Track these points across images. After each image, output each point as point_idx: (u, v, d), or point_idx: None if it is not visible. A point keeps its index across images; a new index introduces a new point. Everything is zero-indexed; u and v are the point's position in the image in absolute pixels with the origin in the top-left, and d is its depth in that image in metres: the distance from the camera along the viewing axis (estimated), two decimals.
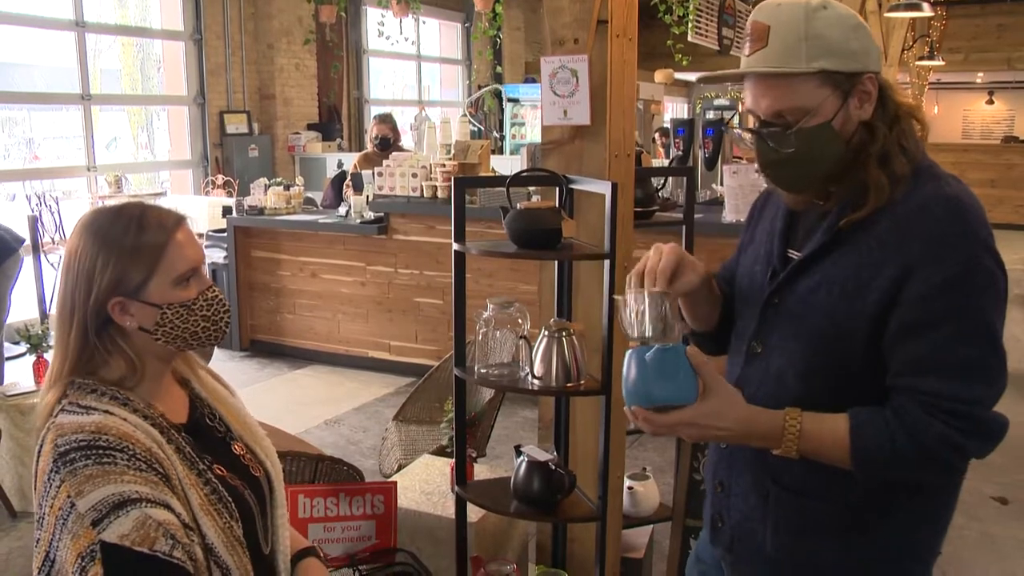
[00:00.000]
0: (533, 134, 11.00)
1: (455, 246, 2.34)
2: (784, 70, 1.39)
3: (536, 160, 5.23)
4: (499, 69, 12.90)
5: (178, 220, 1.48)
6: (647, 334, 1.39)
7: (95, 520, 1.28)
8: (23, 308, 6.38)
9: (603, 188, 2.22)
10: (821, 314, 1.42)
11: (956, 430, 1.32)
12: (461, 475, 2.51)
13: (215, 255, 6.45)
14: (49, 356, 3.86)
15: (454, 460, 2.60)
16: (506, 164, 7.84)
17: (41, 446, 1.37)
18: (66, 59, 7.97)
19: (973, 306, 1.33)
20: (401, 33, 8.99)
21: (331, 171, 8.41)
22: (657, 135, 11.05)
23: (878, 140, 1.41)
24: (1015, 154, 14.50)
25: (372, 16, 10.17)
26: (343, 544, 2.61)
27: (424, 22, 11.52)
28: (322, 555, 1.78)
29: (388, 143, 6.72)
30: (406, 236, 5.83)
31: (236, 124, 9.33)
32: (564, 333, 2.20)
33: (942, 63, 11.56)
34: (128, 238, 1.42)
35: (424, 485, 2.99)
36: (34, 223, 6.40)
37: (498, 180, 2.52)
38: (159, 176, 9.33)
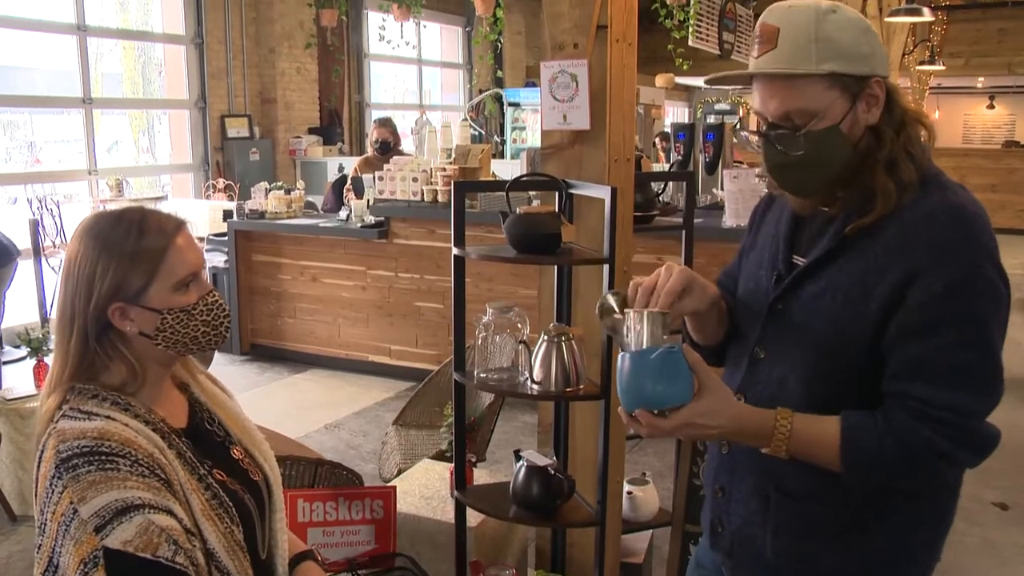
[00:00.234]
0: (534, 138, 11.01)
1: (455, 251, 2.34)
2: (793, 71, 1.39)
3: (536, 165, 5.23)
4: (500, 73, 12.91)
5: (178, 225, 1.48)
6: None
7: (98, 526, 1.28)
8: (23, 312, 6.38)
9: (603, 193, 2.22)
10: (826, 320, 1.42)
11: (945, 438, 1.32)
12: (461, 479, 2.51)
13: (216, 259, 6.46)
14: (49, 360, 3.87)
15: (454, 464, 2.60)
16: (507, 168, 7.84)
17: (42, 452, 1.37)
18: (68, 63, 7.99)
19: (972, 315, 1.33)
20: (402, 37, 9.01)
21: (332, 175, 8.42)
22: (657, 139, 11.06)
23: (885, 145, 1.41)
24: (1016, 159, 14.51)
25: (373, 20, 10.19)
26: (342, 548, 2.60)
27: (425, 26, 11.53)
28: (320, 559, 1.78)
29: (388, 147, 6.73)
30: (406, 240, 5.83)
31: (237, 128, 9.34)
32: (563, 338, 2.20)
33: (943, 68, 11.58)
34: (128, 243, 1.42)
35: (424, 489, 2.99)
36: (35, 227, 6.41)
37: (498, 185, 2.52)
38: (160, 180, 9.34)
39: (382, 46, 9.59)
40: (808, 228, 1.53)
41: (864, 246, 1.40)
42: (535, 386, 2.22)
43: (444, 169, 5.62)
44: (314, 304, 6.27)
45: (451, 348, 2.52)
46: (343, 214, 6.25)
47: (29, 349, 3.96)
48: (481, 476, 2.99)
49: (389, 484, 3.02)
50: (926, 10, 6.54)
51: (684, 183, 3.24)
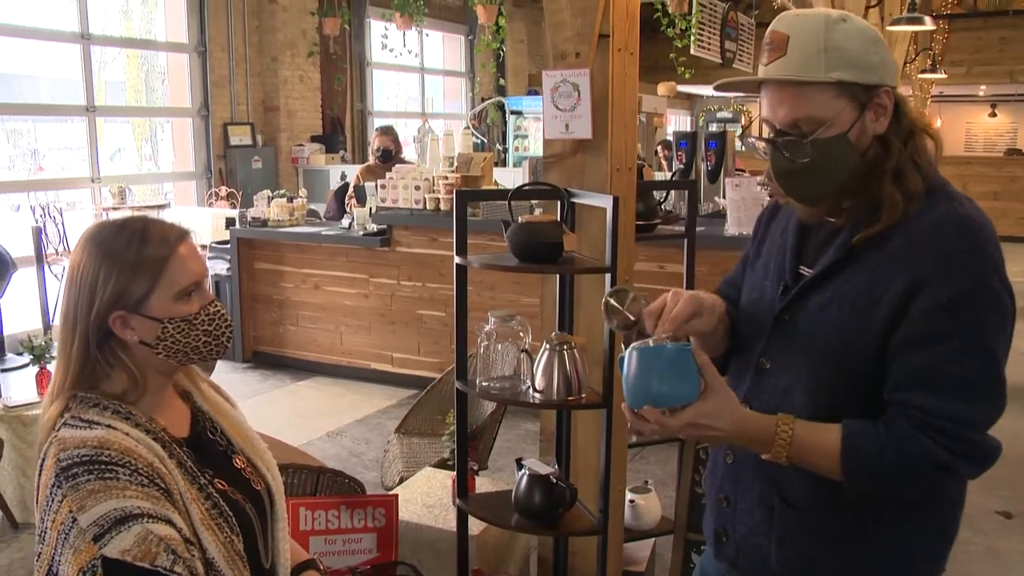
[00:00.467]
0: (536, 146, 11.03)
1: (457, 259, 2.34)
2: (802, 78, 1.39)
3: (538, 174, 5.24)
4: (502, 81, 12.94)
5: (181, 234, 1.49)
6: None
7: (97, 535, 1.28)
8: (26, 319, 6.39)
9: (604, 202, 2.22)
10: (832, 331, 1.42)
11: (945, 449, 1.32)
12: (463, 488, 2.51)
13: (218, 267, 6.46)
14: (52, 367, 3.88)
15: (456, 473, 2.60)
16: (509, 176, 7.85)
17: (43, 460, 1.37)
18: (71, 71, 8.02)
19: (976, 326, 1.33)
20: (404, 45, 9.05)
21: (334, 183, 8.43)
22: (659, 148, 11.06)
23: (893, 155, 1.41)
24: (1018, 167, 14.52)
25: (376, 28, 10.21)
26: (344, 557, 2.60)
27: (427, 34, 11.56)
28: (322, 568, 1.78)
29: (390, 155, 6.74)
30: (409, 248, 5.84)
31: (240, 136, 9.36)
32: (565, 346, 2.21)
33: (944, 76, 11.58)
34: (130, 252, 1.42)
35: (426, 498, 2.99)
36: (38, 234, 6.42)
37: (500, 193, 2.52)
38: (163, 188, 9.36)
39: (385, 54, 9.62)
40: (814, 238, 1.53)
41: (871, 257, 1.40)
42: (537, 395, 2.22)
43: (446, 177, 5.62)
44: (316, 312, 6.27)
45: (453, 356, 2.52)
46: (345, 222, 6.26)
47: (32, 356, 3.96)
48: (483, 484, 2.98)
49: (391, 492, 3.01)
50: (927, 19, 6.54)
51: (686, 191, 3.24)
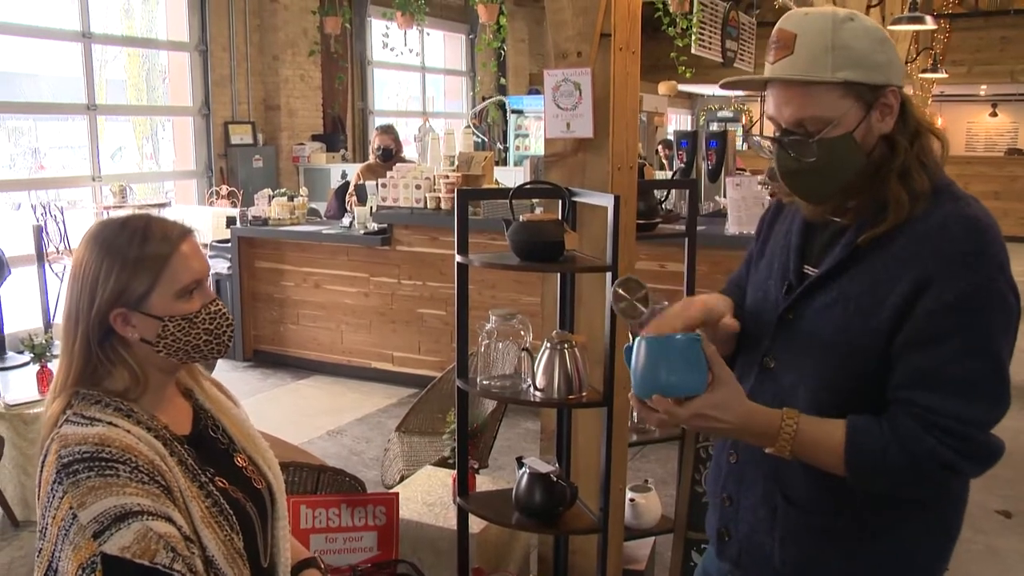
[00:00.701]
0: (537, 145, 11.03)
1: (458, 258, 2.35)
2: (809, 78, 1.39)
3: (539, 172, 5.24)
4: (503, 81, 12.94)
5: (183, 232, 1.49)
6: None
7: (96, 532, 1.28)
8: (27, 318, 6.39)
9: (606, 201, 2.23)
10: (836, 330, 1.42)
11: (949, 448, 1.32)
12: (463, 486, 2.51)
13: (219, 265, 6.47)
14: (52, 366, 3.88)
15: (456, 471, 2.60)
16: (510, 175, 7.85)
17: (45, 456, 1.38)
18: (72, 69, 8.02)
19: (981, 326, 1.33)
20: (405, 44, 9.05)
21: (335, 182, 8.43)
22: (660, 147, 11.06)
23: (899, 155, 1.41)
24: (1018, 166, 14.52)
25: (377, 28, 10.20)
26: (345, 555, 2.61)
27: (428, 34, 11.55)
28: (323, 566, 1.78)
29: (390, 154, 6.74)
30: (409, 247, 5.84)
31: (241, 135, 9.36)
32: (566, 345, 2.21)
33: (945, 76, 11.58)
34: (132, 249, 1.43)
35: (426, 496, 2.99)
36: (39, 233, 6.42)
37: (501, 192, 2.52)
38: (164, 186, 9.36)
39: (386, 53, 9.62)
40: (819, 238, 1.53)
41: (876, 257, 1.40)
42: (538, 393, 2.22)
43: (447, 176, 5.63)
44: (317, 310, 6.28)
45: (454, 355, 2.53)
46: (346, 221, 6.26)
47: (32, 355, 3.97)
48: (483, 483, 2.99)
49: (392, 491, 3.02)
50: (929, 18, 6.54)
51: (687, 191, 3.24)
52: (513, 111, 11.75)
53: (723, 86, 1.61)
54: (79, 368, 1.43)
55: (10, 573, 3.49)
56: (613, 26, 2.48)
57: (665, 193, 3.97)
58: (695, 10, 6.96)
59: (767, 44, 1.47)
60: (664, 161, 10.15)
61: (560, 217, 2.41)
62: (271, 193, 6.63)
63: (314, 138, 10.03)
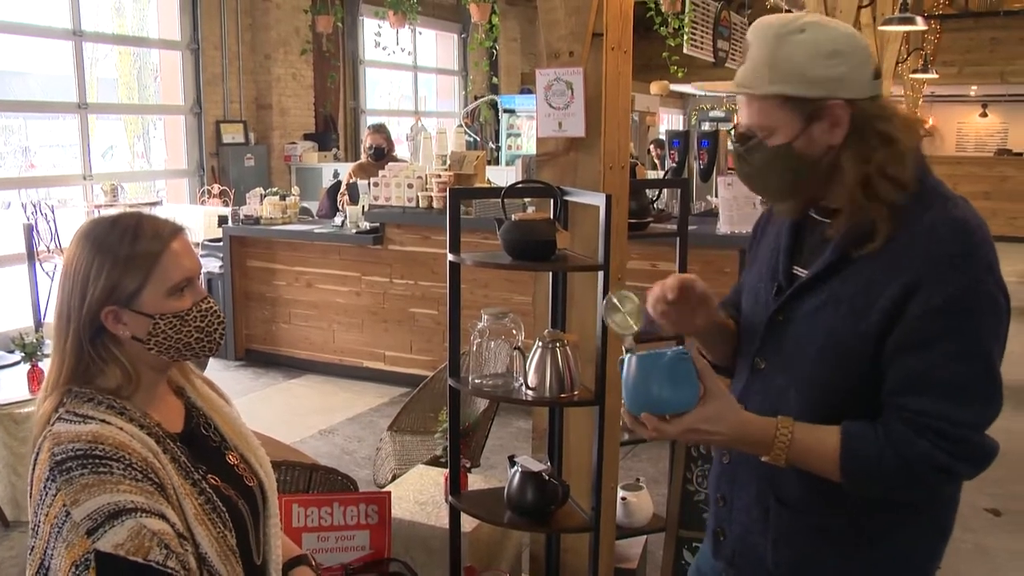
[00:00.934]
0: (529, 145, 11.03)
1: (450, 257, 2.35)
2: (746, 91, 1.45)
3: (531, 172, 5.24)
4: (495, 80, 12.93)
5: (175, 230, 1.49)
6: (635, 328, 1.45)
7: (90, 529, 1.28)
8: (17, 317, 6.37)
9: (597, 200, 2.23)
10: (826, 332, 1.43)
11: (942, 451, 1.32)
12: (455, 485, 2.51)
13: (211, 264, 6.46)
14: (43, 365, 3.86)
15: (448, 470, 2.60)
16: (502, 175, 7.84)
17: (37, 454, 1.38)
18: (63, 68, 7.98)
19: (971, 328, 1.33)
20: (397, 44, 9.03)
21: (327, 181, 8.42)
22: (652, 147, 11.09)
23: (854, 166, 1.40)
24: (1008, 166, 14.59)
25: (369, 27, 10.19)
26: (337, 554, 2.60)
27: (420, 33, 11.55)
28: (314, 563, 1.78)
29: (382, 153, 6.73)
30: (401, 246, 5.84)
31: (232, 134, 9.33)
32: (558, 344, 2.21)
33: (936, 76, 11.62)
34: (123, 247, 1.43)
35: (418, 495, 3.00)
36: (29, 231, 6.40)
37: (493, 191, 2.53)
38: (155, 185, 9.33)
39: (378, 52, 9.61)
40: (809, 240, 1.54)
41: (865, 259, 1.40)
42: (530, 392, 2.23)
43: (439, 175, 5.63)
44: (309, 310, 6.27)
45: (446, 354, 2.53)
46: (338, 220, 6.25)
47: (23, 354, 3.95)
48: (475, 482, 2.99)
49: (384, 489, 3.02)
50: (919, 19, 6.56)
51: (679, 190, 3.25)
52: (505, 110, 11.75)
53: (699, 92, 1.65)
54: (71, 366, 1.43)
55: (1, 573, 3.47)
56: (605, 26, 2.49)
57: (657, 192, 3.98)
58: (687, 10, 6.99)
59: None
60: (656, 161, 10.18)
61: (552, 216, 2.41)
62: (263, 192, 6.63)
63: (306, 137, 10.01)
